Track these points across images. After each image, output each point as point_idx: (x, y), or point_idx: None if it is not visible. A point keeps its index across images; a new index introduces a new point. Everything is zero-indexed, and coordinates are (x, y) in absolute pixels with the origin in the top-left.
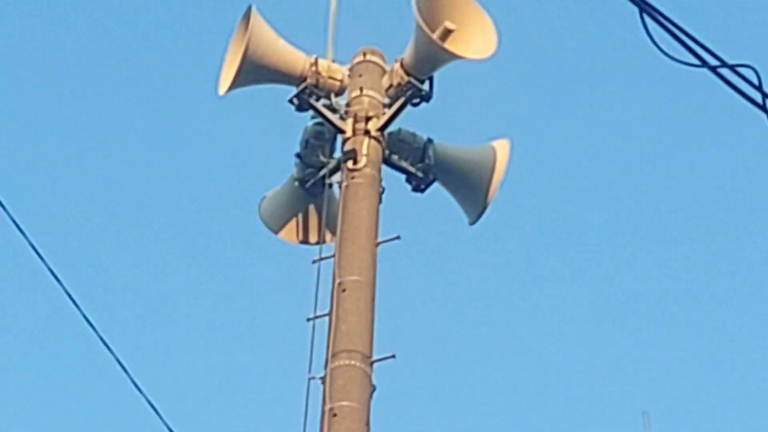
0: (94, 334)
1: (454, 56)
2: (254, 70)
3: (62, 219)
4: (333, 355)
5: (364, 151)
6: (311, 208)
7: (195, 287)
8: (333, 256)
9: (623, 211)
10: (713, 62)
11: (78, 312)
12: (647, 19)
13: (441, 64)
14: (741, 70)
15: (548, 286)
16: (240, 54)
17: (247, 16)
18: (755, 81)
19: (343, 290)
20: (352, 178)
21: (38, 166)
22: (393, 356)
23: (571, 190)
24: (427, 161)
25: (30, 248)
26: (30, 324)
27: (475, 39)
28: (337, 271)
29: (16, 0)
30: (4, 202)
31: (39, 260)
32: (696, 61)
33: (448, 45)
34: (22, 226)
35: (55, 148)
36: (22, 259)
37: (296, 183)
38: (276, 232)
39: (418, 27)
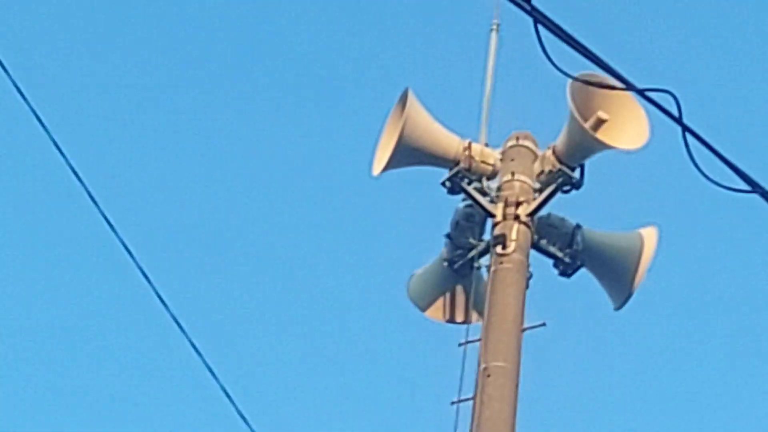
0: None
1: (606, 146)
2: (409, 153)
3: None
4: None
5: (514, 237)
6: (458, 287)
7: (344, 363)
8: (479, 339)
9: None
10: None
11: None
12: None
13: (593, 153)
14: None
15: (693, 371)
16: (395, 136)
17: (403, 99)
18: None
19: (488, 375)
20: (501, 263)
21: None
22: None
23: (718, 278)
24: (575, 247)
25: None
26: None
27: (627, 129)
28: (482, 356)
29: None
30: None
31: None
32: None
33: (601, 135)
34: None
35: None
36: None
37: (445, 263)
38: (423, 310)
39: (572, 116)
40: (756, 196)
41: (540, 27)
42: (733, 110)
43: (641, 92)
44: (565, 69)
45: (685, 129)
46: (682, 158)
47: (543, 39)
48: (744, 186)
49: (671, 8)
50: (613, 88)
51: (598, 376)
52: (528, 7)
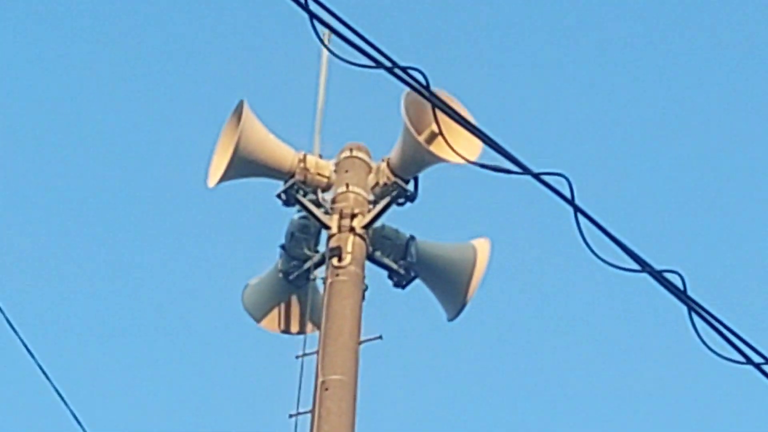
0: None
1: (439, 159)
2: (244, 165)
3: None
4: None
5: (349, 249)
6: (293, 298)
7: (178, 376)
8: (316, 352)
9: (598, 308)
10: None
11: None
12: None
13: (426, 166)
14: None
15: (525, 382)
16: (231, 148)
17: (239, 111)
18: None
19: (326, 389)
20: (337, 275)
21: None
22: None
23: (548, 288)
24: (409, 258)
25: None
26: None
27: (460, 143)
28: (320, 369)
29: None
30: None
31: None
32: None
33: (434, 148)
34: None
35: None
36: None
37: (280, 274)
38: (258, 321)
39: (405, 129)
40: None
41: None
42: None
43: (536, 176)
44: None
45: (578, 210)
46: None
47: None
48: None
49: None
50: (509, 172)
51: (433, 387)
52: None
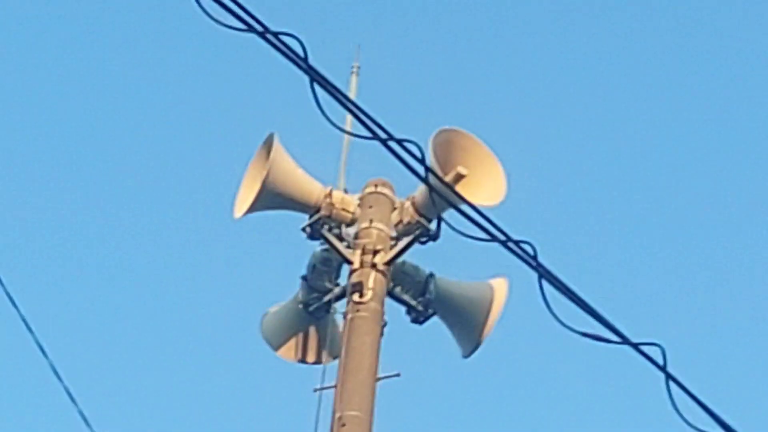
0: None
1: (464, 201)
2: (272, 198)
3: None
4: None
5: (370, 285)
6: (311, 328)
7: (196, 402)
8: (334, 386)
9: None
10: None
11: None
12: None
13: (451, 206)
14: None
15: (537, 421)
16: (260, 181)
17: (268, 144)
18: None
19: (343, 425)
20: (357, 311)
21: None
22: None
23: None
24: (428, 295)
25: None
26: None
27: (485, 185)
28: (337, 404)
29: None
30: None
31: None
32: None
33: (460, 189)
34: None
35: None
36: None
37: (300, 305)
38: (276, 349)
39: (432, 170)
40: None
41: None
42: None
43: (635, 346)
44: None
45: (670, 378)
46: (537, 216)
47: None
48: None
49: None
50: (607, 341)
51: (448, 424)
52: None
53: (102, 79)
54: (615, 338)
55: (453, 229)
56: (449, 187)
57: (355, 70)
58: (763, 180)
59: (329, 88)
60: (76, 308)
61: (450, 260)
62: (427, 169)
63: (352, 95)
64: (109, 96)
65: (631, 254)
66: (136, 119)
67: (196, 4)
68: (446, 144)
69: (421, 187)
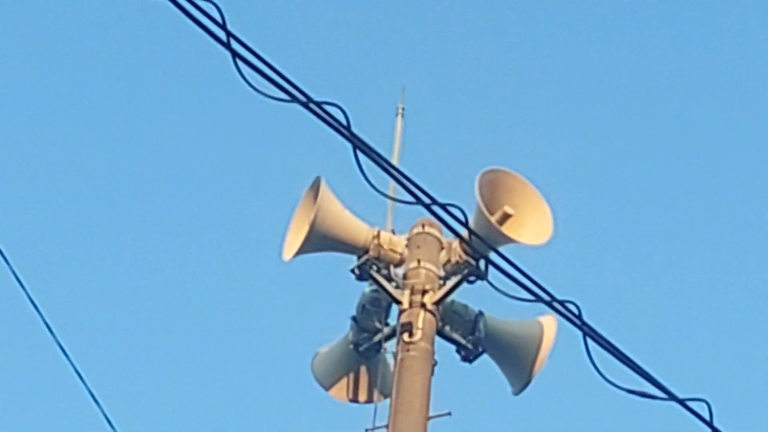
0: None
1: (511, 241)
2: (320, 240)
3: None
4: None
5: (420, 325)
6: (362, 368)
7: None
8: (386, 426)
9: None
10: None
11: None
12: None
13: (498, 245)
14: None
15: None
16: (308, 224)
17: (315, 187)
18: None
19: None
20: (407, 350)
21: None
22: None
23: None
24: (477, 334)
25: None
26: None
27: (532, 224)
28: None
29: None
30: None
31: None
32: None
33: (506, 229)
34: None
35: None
36: None
37: (350, 345)
38: (327, 389)
39: (478, 209)
40: None
41: None
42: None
43: (681, 402)
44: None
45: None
46: (584, 255)
47: None
48: None
49: None
50: (654, 397)
51: None
52: None
53: (172, 143)
54: (661, 394)
55: (498, 290)
56: (490, 246)
57: (400, 111)
58: None
59: (372, 155)
60: (130, 350)
61: (498, 298)
62: (471, 232)
63: (397, 137)
64: (173, 156)
65: (678, 303)
66: (193, 179)
67: (240, 79)
68: (492, 184)
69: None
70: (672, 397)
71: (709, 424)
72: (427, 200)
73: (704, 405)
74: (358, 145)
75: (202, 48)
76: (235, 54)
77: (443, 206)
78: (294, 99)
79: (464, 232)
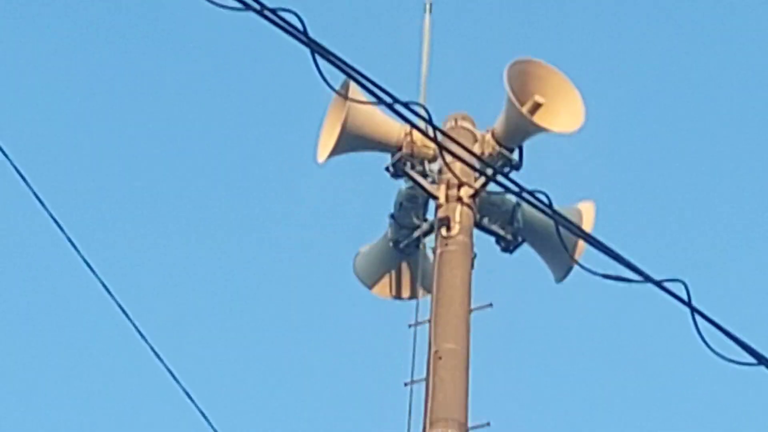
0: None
1: (542, 129)
2: (352, 140)
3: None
4: (431, 423)
5: (457, 219)
6: (403, 265)
7: (295, 345)
8: (429, 321)
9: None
10: None
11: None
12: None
13: (530, 135)
14: None
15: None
16: (339, 125)
17: (345, 88)
18: None
19: (439, 358)
20: (446, 245)
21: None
22: (488, 424)
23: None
24: (516, 224)
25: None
26: None
27: (563, 113)
28: (433, 339)
29: None
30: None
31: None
32: None
33: (537, 118)
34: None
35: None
36: None
37: (390, 243)
38: (370, 287)
39: (509, 100)
40: None
41: None
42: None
43: (658, 283)
44: None
45: (695, 311)
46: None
47: None
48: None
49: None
50: (630, 281)
51: (544, 353)
52: None
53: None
54: (638, 277)
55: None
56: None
57: (427, 8)
58: None
59: (331, 58)
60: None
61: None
62: (436, 129)
63: (426, 33)
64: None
65: (661, 186)
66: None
67: None
68: (521, 74)
69: (501, 117)
70: (648, 278)
71: (688, 303)
72: (388, 99)
73: (681, 285)
74: (316, 49)
75: None
76: None
77: (405, 104)
78: (248, 7)
79: (430, 131)
